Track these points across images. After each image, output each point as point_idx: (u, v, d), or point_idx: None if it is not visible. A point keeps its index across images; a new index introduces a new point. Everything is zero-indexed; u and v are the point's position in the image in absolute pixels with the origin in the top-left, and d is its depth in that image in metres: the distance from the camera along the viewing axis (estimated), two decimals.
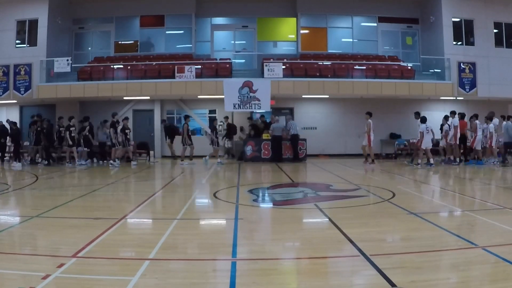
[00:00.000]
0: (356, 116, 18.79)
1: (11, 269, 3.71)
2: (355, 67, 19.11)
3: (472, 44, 19.26)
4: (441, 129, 15.84)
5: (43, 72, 18.24)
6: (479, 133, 15.04)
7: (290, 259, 4.32)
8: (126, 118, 16.03)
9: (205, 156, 16.15)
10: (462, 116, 15.76)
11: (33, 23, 18.58)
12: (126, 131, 15.34)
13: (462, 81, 18.62)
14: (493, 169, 13.49)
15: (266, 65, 17.74)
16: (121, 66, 19.15)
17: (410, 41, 21.50)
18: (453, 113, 15.40)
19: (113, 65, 19.14)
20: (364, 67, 19.08)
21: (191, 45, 20.63)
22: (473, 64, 18.76)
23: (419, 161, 14.61)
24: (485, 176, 11.95)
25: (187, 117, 16.50)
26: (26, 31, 18.75)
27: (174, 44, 20.99)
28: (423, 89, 18.26)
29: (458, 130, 14.99)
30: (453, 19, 19.07)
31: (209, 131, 17.07)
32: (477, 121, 15.26)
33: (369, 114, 15.42)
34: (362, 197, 7.93)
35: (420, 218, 5.82)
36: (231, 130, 17.21)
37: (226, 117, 17.55)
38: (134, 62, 19.36)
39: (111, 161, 15.03)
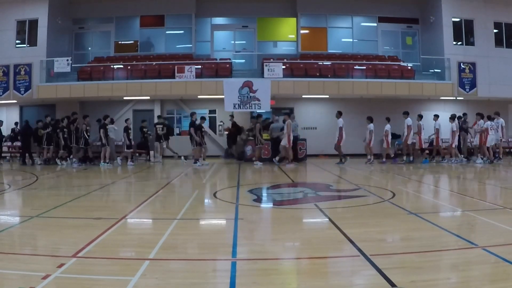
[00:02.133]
0: (356, 116, 18.78)
1: (11, 269, 3.71)
2: (355, 67, 19.12)
3: (472, 44, 19.27)
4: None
5: (43, 72, 18.25)
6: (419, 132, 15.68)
7: (290, 259, 4.32)
8: (203, 118, 15.98)
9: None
10: (481, 116, 15.94)
11: (33, 23, 18.59)
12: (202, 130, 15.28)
13: (462, 81, 18.63)
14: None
15: (266, 65, 17.74)
16: (121, 66, 19.15)
17: (410, 41, 21.51)
18: (405, 113, 15.76)
19: (113, 65, 19.15)
20: (364, 67, 19.08)
21: (191, 45, 20.63)
22: (473, 64, 18.76)
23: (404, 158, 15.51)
24: (483, 176, 11.96)
25: (259, 116, 16.18)
26: (26, 31, 18.75)
27: (174, 44, 21.00)
28: (423, 89, 18.27)
29: (414, 132, 15.65)
30: (453, 19, 19.08)
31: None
32: (420, 122, 15.69)
33: (288, 115, 15.45)
34: (362, 197, 7.93)
35: (420, 218, 5.82)
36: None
37: (258, 116, 17.26)
38: (134, 62, 19.37)
39: (196, 162, 14.86)
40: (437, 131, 15.75)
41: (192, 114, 15.69)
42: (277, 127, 16.47)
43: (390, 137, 15.75)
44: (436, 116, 16.09)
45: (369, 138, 15.66)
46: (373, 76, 18.55)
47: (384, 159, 15.66)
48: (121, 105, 19.58)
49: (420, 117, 15.88)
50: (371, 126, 15.54)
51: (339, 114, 15.62)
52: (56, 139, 15.66)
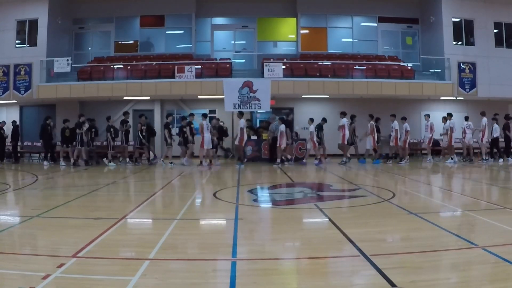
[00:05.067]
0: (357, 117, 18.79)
1: (11, 269, 3.72)
2: (355, 67, 19.09)
3: (472, 44, 19.26)
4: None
5: (43, 72, 18.22)
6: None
7: (290, 259, 4.32)
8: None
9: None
10: (450, 116, 16.29)
11: (33, 23, 18.57)
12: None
13: (462, 81, 18.62)
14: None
15: (266, 65, 17.72)
16: (121, 66, 19.13)
17: (410, 41, 21.50)
18: (342, 113, 15.88)
19: (113, 65, 19.12)
20: (364, 67, 19.06)
21: (191, 45, 20.61)
22: (473, 64, 18.75)
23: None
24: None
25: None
26: (26, 31, 18.73)
27: (174, 44, 20.98)
28: (423, 89, 18.26)
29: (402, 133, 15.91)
30: (453, 19, 19.06)
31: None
32: (372, 122, 15.70)
33: (204, 116, 15.40)
34: (362, 197, 7.93)
35: (420, 218, 5.82)
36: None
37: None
38: (134, 62, 19.35)
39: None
40: (396, 132, 15.75)
41: (272, 116, 15.95)
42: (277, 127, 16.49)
43: (315, 138, 15.62)
44: (393, 116, 16.08)
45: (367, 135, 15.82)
46: (373, 76, 18.54)
47: (304, 161, 15.62)
48: (121, 105, 19.55)
49: (372, 117, 15.97)
50: (407, 125, 15.82)
51: (393, 117, 15.89)
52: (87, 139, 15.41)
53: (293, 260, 4.27)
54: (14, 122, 17.86)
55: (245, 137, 15.40)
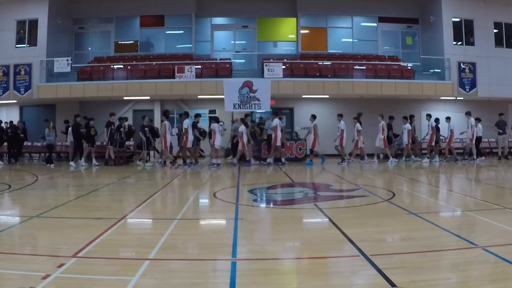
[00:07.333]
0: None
1: (11, 269, 3.72)
2: (355, 67, 19.10)
3: (472, 44, 19.27)
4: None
5: (43, 72, 18.24)
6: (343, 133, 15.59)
7: (290, 259, 4.32)
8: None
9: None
10: (406, 118, 16.41)
11: (33, 23, 18.58)
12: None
13: (462, 81, 18.62)
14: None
15: (266, 65, 17.74)
16: (121, 66, 19.14)
17: (410, 41, 21.51)
18: (276, 114, 15.72)
19: (113, 65, 19.13)
20: (364, 67, 19.07)
21: (191, 45, 20.62)
22: (473, 64, 18.76)
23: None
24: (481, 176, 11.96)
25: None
26: (26, 31, 18.75)
27: (174, 44, 20.99)
28: (423, 89, 18.27)
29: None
30: (453, 19, 19.07)
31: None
32: (315, 122, 15.46)
33: (165, 115, 15.01)
34: (362, 197, 7.93)
35: (420, 218, 5.82)
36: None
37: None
38: (134, 62, 19.36)
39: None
40: (342, 132, 15.53)
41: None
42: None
43: (245, 138, 15.02)
44: (340, 116, 15.82)
45: (357, 138, 15.72)
46: (373, 76, 18.54)
47: (235, 161, 15.35)
48: (121, 105, 19.57)
49: (314, 117, 15.67)
50: (358, 125, 15.66)
51: (340, 117, 15.66)
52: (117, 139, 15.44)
53: (293, 260, 4.27)
54: (11, 122, 17.71)
55: (190, 138, 14.63)
